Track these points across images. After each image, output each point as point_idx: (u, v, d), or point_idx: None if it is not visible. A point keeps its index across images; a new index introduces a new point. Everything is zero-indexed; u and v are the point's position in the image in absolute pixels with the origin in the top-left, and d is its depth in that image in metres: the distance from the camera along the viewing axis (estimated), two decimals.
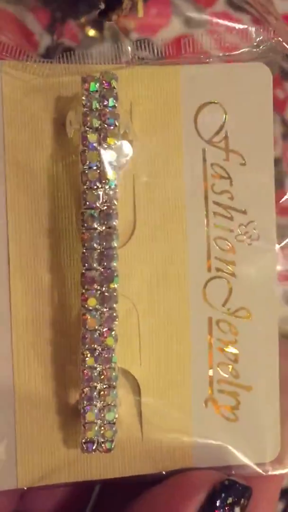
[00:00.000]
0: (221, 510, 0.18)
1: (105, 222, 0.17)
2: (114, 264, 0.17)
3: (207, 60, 0.19)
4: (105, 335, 0.17)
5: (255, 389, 0.19)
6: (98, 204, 0.17)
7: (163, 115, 0.19)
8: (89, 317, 0.17)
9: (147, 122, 0.19)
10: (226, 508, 0.18)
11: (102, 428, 0.17)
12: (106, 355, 0.17)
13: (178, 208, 0.19)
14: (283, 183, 0.26)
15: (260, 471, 0.20)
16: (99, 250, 0.17)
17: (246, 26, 0.19)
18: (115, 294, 0.17)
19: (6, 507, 0.19)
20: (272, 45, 0.19)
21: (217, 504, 0.18)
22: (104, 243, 0.17)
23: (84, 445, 0.17)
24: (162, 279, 0.19)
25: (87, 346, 0.17)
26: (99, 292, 0.17)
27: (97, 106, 0.17)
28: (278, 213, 0.26)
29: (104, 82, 0.17)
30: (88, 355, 0.17)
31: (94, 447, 0.17)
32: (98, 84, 0.17)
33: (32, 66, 0.18)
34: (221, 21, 0.20)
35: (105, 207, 0.17)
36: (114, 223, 0.17)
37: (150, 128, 0.19)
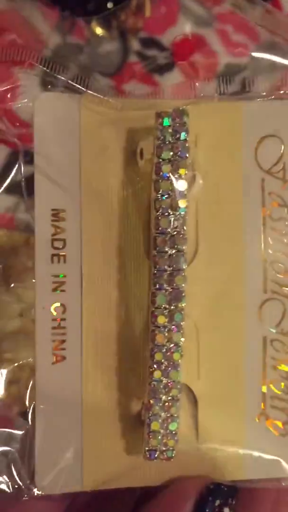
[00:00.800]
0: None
1: (175, 246, 0.18)
2: (183, 284, 0.18)
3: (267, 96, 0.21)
4: (172, 350, 0.18)
5: None
6: (169, 230, 0.18)
7: (225, 148, 0.20)
8: (158, 334, 0.18)
9: (211, 154, 0.20)
10: (215, 510, 0.19)
11: (165, 437, 0.19)
12: (172, 370, 0.18)
13: (237, 233, 0.20)
14: None
15: None
16: (169, 272, 0.18)
17: None
18: (182, 312, 0.18)
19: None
20: None
21: (206, 509, 0.18)
22: (174, 265, 0.18)
23: (147, 453, 0.19)
24: (221, 298, 0.20)
25: (154, 360, 0.18)
26: (167, 310, 0.18)
27: (170, 139, 0.18)
28: None
29: (176, 117, 0.19)
30: (156, 369, 0.18)
31: (156, 455, 0.19)
32: (171, 119, 0.19)
33: (107, 101, 0.20)
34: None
35: (175, 232, 0.18)
36: (183, 247, 0.18)
37: (213, 159, 0.20)
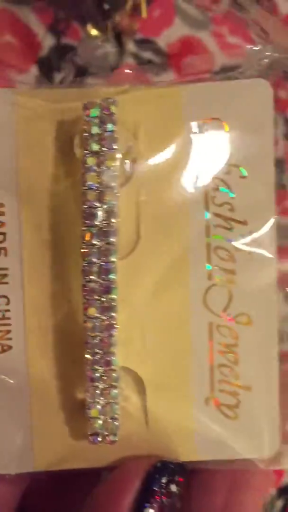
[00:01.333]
0: (158, 491, 0.19)
1: (104, 239, 0.18)
2: (113, 276, 0.18)
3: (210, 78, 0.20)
4: (105, 340, 0.19)
5: (255, 390, 0.21)
6: (97, 222, 0.18)
7: (165, 133, 0.20)
8: (90, 325, 0.18)
9: (152, 140, 0.20)
10: (162, 489, 0.19)
11: (106, 423, 0.19)
12: (107, 358, 0.19)
13: (180, 220, 0.20)
14: (284, 183, 0.26)
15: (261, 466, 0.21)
16: (98, 264, 0.18)
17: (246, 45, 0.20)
18: (114, 304, 0.18)
19: (11, 496, 0.21)
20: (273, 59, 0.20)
21: (153, 487, 0.19)
22: (103, 258, 0.18)
23: (90, 437, 0.19)
24: (164, 286, 0.20)
25: (89, 350, 0.19)
26: (99, 302, 0.18)
27: (97, 131, 0.18)
28: (281, 213, 0.26)
29: (104, 108, 0.18)
30: (91, 359, 0.19)
31: (99, 439, 0.19)
32: (99, 110, 0.18)
33: (41, 93, 0.20)
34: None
35: (104, 225, 0.18)
36: (112, 239, 0.18)
37: (154, 145, 0.20)
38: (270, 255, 0.20)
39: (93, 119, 0.18)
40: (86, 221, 0.18)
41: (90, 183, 0.18)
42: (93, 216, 0.18)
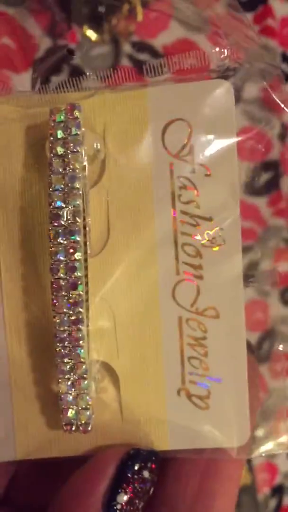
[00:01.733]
0: (131, 476, 0.20)
1: (70, 237, 0.19)
2: (79, 274, 0.19)
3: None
4: (73, 334, 0.19)
5: (225, 381, 0.21)
6: (62, 222, 0.19)
7: (133, 135, 0.21)
8: (58, 320, 0.19)
9: (120, 142, 0.21)
10: (135, 475, 0.20)
11: (78, 413, 0.20)
12: (76, 351, 0.20)
13: (148, 218, 0.21)
14: (280, 184, 0.27)
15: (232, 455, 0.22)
16: (65, 262, 0.19)
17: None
18: (81, 299, 0.19)
19: None
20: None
21: (127, 473, 0.20)
22: (70, 256, 0.19)
23: (64, 427, 0.20)
24: (134, 282, 0.21)
25: (59, 344, 0.20)
26: (66, 298, 0.19)
27: (62, 135, 0.19)
28: (274, 214, 0.27)
29: (69, 113, 0.19)
30: (61, 351, 0.20)
31: (73, 428, 0.20)
32: (64, 115, 0.19)
33: (11, 98, 0.21)
34: None
35: (70, 224, 0.19)
36: (78, 238, 0.19)
37: (122, 146, 0.21)
38: (236, 250, 0.21)
39: (59, 123, 0.19)
40: (53, 221, 0.19)
41: (56, 185, 0.19)
42: (59, 216, 0.19)
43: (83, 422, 0.20)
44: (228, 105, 0.21)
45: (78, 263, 0.19)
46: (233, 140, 0.21)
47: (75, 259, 0.19)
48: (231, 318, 0.21)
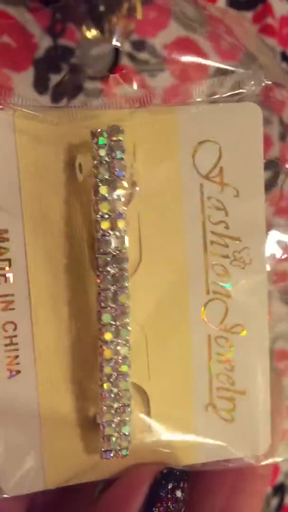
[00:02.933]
0: (164, 496, 0.20)
1: (117, 265, 0.19)
2: (127, 302, 0.19)
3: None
4: (120, 363, 0.19)
5: (248, 393, 0.22)
6: (110, 250, 0.19)
7: (163, 155, 0.21)
8: (105, 349, 0.19)
9: (150, 162, 0.20)
10: (168, 494, 0.20)
11: (119, 439, 0.20)
12: (121, 380, 0.19)
13: (179, 238, 0.21)
14: (280, 183, 0.27)
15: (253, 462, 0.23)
16: (113, 290, 0.19)
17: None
18: (128, 327, 0.19)
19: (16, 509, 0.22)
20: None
21: (160, 492, 0.20)
22: (117, 284, 0.19)
23: (103, 454, 0.20)
24: (166, 302, 0.21)
25: (104, 373, 0.19)
26: (114, 326, 0.19)
27: (106, 159, 0.19)
28: (276, 213, 0.27)
29: (112, 135, 0.19)
30: (106, 381, 0.19)
31: (112, 455, 0.20)
32: (106, 138, 0.19)
33: (41, 116, 0.19)
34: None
35: (117, 252, 0.19)
36: (125, 265, 0.19)
37: (152, 167, 0.20)
38: (261, 269, 0.22)
39: (102, 146, 0.19)
40: (101, 249, 0.18)
41: (104, 211, 0.18)
42: (107, 243, 0.18)
43: (122, 447, 0.20)
44: (256, 127, 0.21)
45: (127, 291, 0.19)
46: (261, 161, 0.21)
47: (123, 287, 0.19)
48: (256, 334, 0.22)
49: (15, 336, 0.20)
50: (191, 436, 0.22)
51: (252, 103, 0.21)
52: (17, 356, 0.20)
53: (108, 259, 0.19)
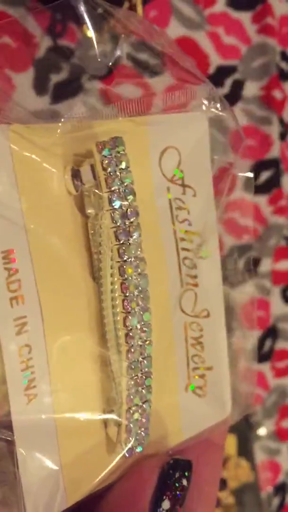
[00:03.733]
0: (172, 484, 0.22)
1: (138, 271, 0.20)
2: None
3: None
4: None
5: (215, 368, 0.25)
6: (126, 258, 0.20)
7: (138, 161, 0.22)
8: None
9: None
10: (175, 482, 0.22)
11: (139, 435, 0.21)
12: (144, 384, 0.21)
13: (156, 237, 0.23)
14: (280, 182, 0.28)
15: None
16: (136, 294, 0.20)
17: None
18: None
19: None
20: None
21: (168, 481, 0.22)
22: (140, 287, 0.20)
23: (126, 452, 0.21)
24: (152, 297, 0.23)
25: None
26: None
27: (115, 169, 0.19)
28: (275, 212, 0.28)
29: (114, 147, 0.19)
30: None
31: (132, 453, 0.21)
32: (109, 149, 0.19)
33: (36, 129, 0.19)
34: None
35: (132, 258, 0.20)
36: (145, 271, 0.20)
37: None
38: (216, 260, 0.25)
39: (107, 158, 0.19)
40: (123, 256, 0.19)
41: (120, 220, 0.19)
42: (130, 250, 0.20)
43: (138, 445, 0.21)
44: (204, 134, 0.24)
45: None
46: (208, 163, 0.24)
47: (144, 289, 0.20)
48: (217, 315, 0.25)
49: (31, 358, 0.19)
50: (178, 416, 0.24)
51: (199, 113, 0.24)
52: (33, 379, 0.19)
53: (124, 266, 0.20)
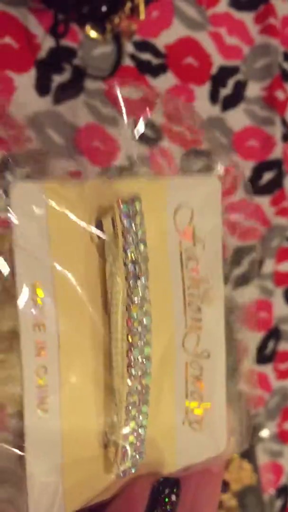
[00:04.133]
0: (162, 499, 0.25)
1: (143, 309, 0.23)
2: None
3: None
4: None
5: (213, 405, 0.28)
6: (135, 298, 0.23)
7: (155, 216, 0.25)
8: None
9: (146, 220, 0.24)
10: (165, 498, 0.25)
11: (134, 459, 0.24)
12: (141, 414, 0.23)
13: (166, 283, 0.26)
14: (283, 183, 0.28)
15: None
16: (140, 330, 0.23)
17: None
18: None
19: None
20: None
21: (159, 497, 0.25)
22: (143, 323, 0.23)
23: (121, 474, 0.24)
24: (157, 335, 0.25)
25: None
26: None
27: (131, 226, 0.22)
28: (277, 213, 0.27)
29: (132, 204, 0.22)
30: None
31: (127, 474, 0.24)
32: (128, 206, 0.22)
33: (67, 185, 0.22)
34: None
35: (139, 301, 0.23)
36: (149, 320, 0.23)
37: (147, 225, 0.24)
38: (220, 305, 0.27)
39: (127, 215, 0.22)
40: (134, 297, 0.22)
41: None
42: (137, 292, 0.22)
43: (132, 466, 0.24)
44: (217, 196, 0.27)
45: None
46: (219, 219, 0.27)
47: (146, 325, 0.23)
48: (218, 356, 0.27)
49: (46, 378, 0.22)
50: (174, 448, 0.26)
51: (213, 177, 0.26)
52: (46, 397, 0.23)
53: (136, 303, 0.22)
